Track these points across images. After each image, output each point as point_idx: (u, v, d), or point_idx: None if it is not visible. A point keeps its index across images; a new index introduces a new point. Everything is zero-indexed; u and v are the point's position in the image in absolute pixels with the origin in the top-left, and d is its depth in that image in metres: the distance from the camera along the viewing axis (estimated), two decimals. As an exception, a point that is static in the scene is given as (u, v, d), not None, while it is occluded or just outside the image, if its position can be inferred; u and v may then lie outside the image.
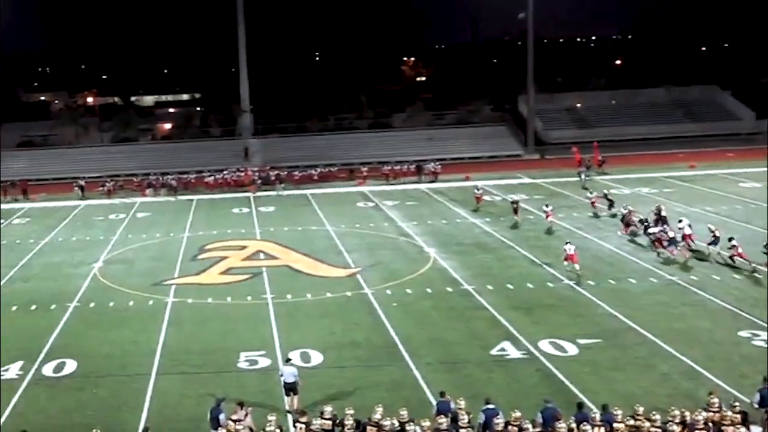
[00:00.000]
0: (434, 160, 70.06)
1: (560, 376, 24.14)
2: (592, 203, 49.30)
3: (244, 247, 43.81)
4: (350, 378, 24.65)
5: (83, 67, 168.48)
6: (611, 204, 48.28)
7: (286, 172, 68.13)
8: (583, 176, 59.99)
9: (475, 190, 53.64)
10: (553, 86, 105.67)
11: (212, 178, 67.38)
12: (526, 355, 26.07)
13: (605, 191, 50.60)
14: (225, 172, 69.20)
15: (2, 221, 54.84)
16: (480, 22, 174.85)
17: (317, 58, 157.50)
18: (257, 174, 68.31)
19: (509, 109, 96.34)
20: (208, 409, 20.32)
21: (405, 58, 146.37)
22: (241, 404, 20.05)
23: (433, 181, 65.65)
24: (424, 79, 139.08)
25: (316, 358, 26.48)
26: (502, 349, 26.62)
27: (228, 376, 25.37)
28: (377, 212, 53.51)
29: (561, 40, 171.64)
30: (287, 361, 23.42)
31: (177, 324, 30.83)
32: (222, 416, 19.65)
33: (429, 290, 34.02)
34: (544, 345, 26.73)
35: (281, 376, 22.63)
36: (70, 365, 26.73)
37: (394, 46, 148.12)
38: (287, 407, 22.33)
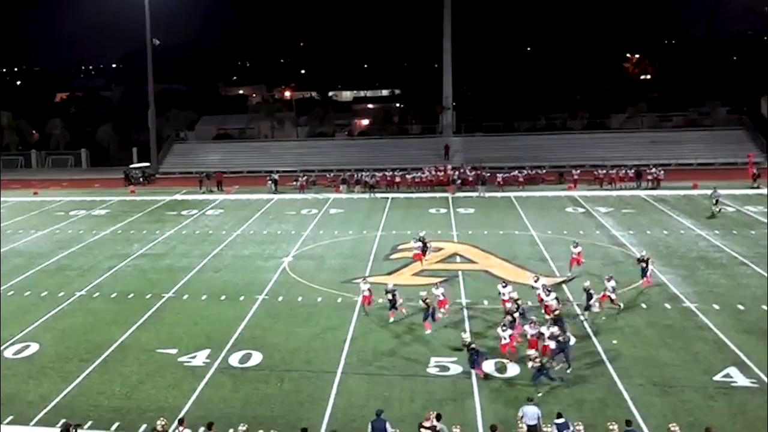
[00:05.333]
0: (657, 165, 68.15)
1: (797, 410, 22.70)
2: None
3: (439, 249, 44.32)
4: (550, 394, 24.38)
5: (282, 61, 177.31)
6: None
7: (488, 173, 68.35)
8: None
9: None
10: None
11: (410, 176, 68.74)
12: (756, 383, 24.72)
13: None
14: (423, 170, 70.40)
15: (197, 211, 58.95)
16: (718, 14, 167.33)
17: (528, 53, 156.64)
18: (457, 174, 68.96)
19: (749, 111, 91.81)
20: (377, 413, 20.84)
21: (628, 55, 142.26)
22: (438, 416, 20.52)
23: (654, 188, 63.67)
24: (648, 77, 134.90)
25: (513, 369, 26.42)
26: (728, 375, 25.41)
27: (416, 380, 25.83)
28: (588, 219, 52.54)
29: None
30: (529, 400, 21.81)
31: (365, 323, 31.74)
32: (388, 426, 20.24)
33: (644, 305, 33.00)
34: (780, 374, 25.26)
35: (521, 417, 21.08)
36: (256, 357, 28.26)
37: (616, 41, 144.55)
38: None
